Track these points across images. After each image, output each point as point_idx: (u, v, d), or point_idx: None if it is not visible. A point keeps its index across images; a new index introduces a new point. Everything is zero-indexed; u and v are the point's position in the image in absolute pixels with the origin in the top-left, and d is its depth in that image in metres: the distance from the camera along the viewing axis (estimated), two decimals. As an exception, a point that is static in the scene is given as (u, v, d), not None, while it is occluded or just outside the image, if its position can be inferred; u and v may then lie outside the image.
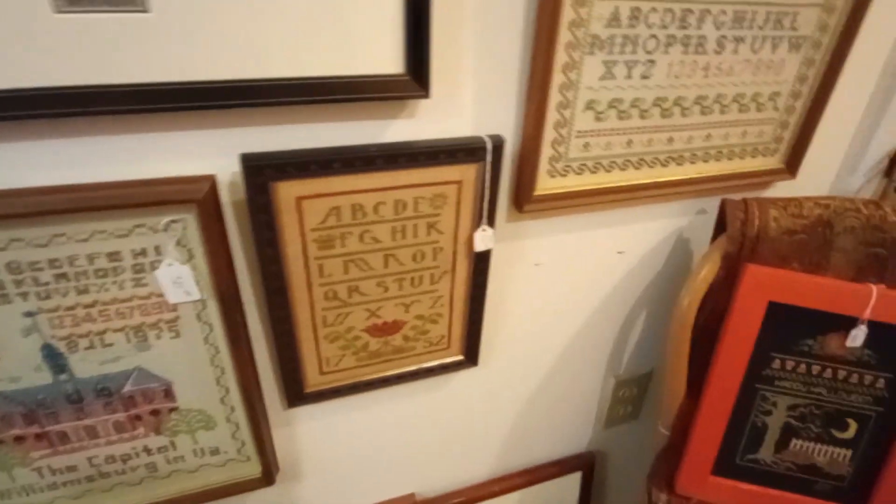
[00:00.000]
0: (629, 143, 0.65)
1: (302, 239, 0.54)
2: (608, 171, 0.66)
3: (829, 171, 0.84)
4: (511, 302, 0.73)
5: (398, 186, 0.54)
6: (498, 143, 0.56)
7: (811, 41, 0.68)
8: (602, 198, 0.67)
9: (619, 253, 0.76)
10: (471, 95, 0.56)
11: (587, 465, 0.94)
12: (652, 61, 0.61)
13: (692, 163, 0.71)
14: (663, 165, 0.70)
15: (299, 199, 0.52)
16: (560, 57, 0.56)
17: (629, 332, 0.85)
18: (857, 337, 0.71)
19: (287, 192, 0.51)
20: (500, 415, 0.84)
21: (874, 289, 0.70)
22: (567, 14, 0.54)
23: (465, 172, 0.56)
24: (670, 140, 0.68)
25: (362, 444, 0.76)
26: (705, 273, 0.72)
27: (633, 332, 0.86)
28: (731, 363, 0.75)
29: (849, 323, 0.71)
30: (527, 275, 0.72)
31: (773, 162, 0.77)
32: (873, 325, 0.71)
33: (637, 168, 0.68)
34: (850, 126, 0.81)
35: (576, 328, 0.80)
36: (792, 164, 0.77)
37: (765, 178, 0.77)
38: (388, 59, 0.50)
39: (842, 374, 0.74)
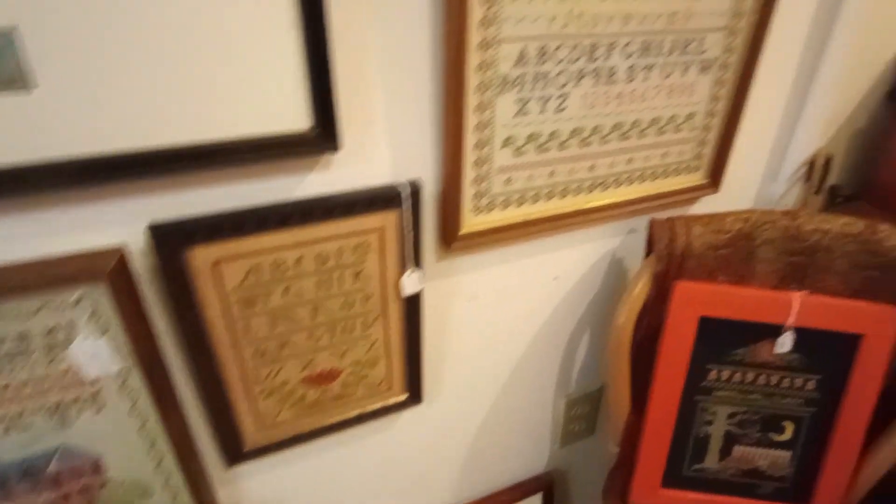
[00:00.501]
0: (551, 174, 0.67)
1: (222, 301, 0.53)
2: (534, 203, 0.68)
3: (752, 181, 0.87)
4: (452, 335, 0.73)
5: (317, 240, 0.54)
6: (415, 189, 0.56)
7: (719, 63, 0.71)
8: (530, 229, 0.68)
9: (554, 279, 0.77)
10: (386, 141, 0.56)
11: (547, 486, 0.95)
12: (565, 95, 0.63)
13: (616, 187, 0.73)
14: (588, 192, 0.71)
15: (215, 263, 0.51)
16: (471, 99, 0.57)
17: (574, 352, 0.87)
18: (784, 343, 0.74)
19: (201, 256, 0.50)
20: (453, 447, 0.84)
21: (796, 296, 0.73)
22: (473, 58, 0.55)
23: (385, 219, 0.56)
24: (592, 167, 0.70)
25: (314, 492, 0.75)
26: (636, 293, 0.73)
27: (579, 352, 0.87)
28: (670, 378, 0.77)
29: (776, 330, 0.74)
30: (465, 308, 0.72)
31: (696, 178, 0.80)
32: (799, 331, 0.74)
33: (562, 197, 0.69)
34: (766, 137, 0.84)
35: (520, 354, 0.81)
36: (715, 179, 0.80)
37: (690, 194, 0.80)
38: (292, 115, 0.49)
39: (774, 379, 0.77)
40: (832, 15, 0.77)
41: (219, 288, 0.52)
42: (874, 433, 0.78)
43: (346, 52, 0.50)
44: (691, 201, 0.82)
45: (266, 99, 0.47)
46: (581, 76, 0.62)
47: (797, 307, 0.73)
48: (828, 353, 0.75)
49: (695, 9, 0.65)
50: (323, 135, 0.50)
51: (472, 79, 0.56)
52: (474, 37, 0.54)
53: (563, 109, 0.63)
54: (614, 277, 0.83)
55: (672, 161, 0.76)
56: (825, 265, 0.74)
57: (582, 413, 0.94)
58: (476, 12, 0.53)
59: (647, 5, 0.62)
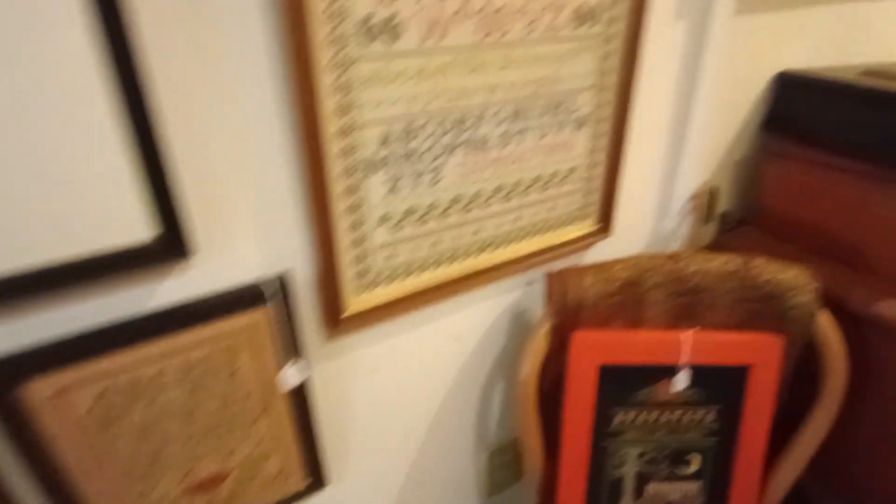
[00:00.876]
0: (435, 244, 0.66)
1: (74, 429, 0.49)
2: (421, 273, 0.67)
3: (644, 220, 0.90)
4: (356, 410, 0.71)
5: (178, 350, 0.51)
6: (282, 283, 0.54)
7: (593, 118, 0.73)
8: (422, 298, 0.67)
9: (456, 340, 0.77)
10: (251, 236, 0.54)
11: (477, 538, 0.94)
12: (438, 167, 0.62)
13: (508, 245, 0.74)
14: (478, 255, 0.71)
15: (59, 392, 0.47)
16: (337, 185, 0.55)
17: (489, 404, 0.86)
18: (680, 381, 0.76)
19: (39, 389, 0.46)
20: (375, 515, 0.82)
21: (686, 336, 0.75)
22: (333, 146, 0.53)
23: (253, 318, 0.54)
24: (478, 231, 0.69)
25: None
26: (536, 347, 0.74)
27: (494, 404, 0.87)
28: (577, 425, 0.77)
29: (672, 369, 0.76)
30: (366, 382, 0.70)
31: (587, 226, 0.81)
32: (694, 367, 0.76)
33: (451, 263, 0.69)
34: (652, 178, 0.87)
35: (432, 416, 0.80)
36: (606, 225, 0.82)
37: (584, 241, 0.81)
38: (131, 226, 0.46)
39: (676, 415, 0.79)
40: (697, 57, 0.80)
41: (66, 418, 0.48)
42: (774, 453, 0.81)
43: (190, 151, 0.48)
44: (587, 247, 0.83)
45: (96, 212, 0.44)
46: (453, 148, 0.62)
47: (688, 346, 0.75)
48: (722, 384, 0.78)
49: (561, 73, 0.66)
50: (170, 242, 0.48)
51: (335, 165, 0.55)
52: (330, 126, 0.53)
53: (438, 181, 0.63)
54: (519, 329, 0.83)
55: (561, 213, 0.77)
56: (711, 302, 0.76)
57: (506, 461, 0.94)
58: (328, 103, 0.51)
59: (513, 75, 0.63)
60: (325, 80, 0.50)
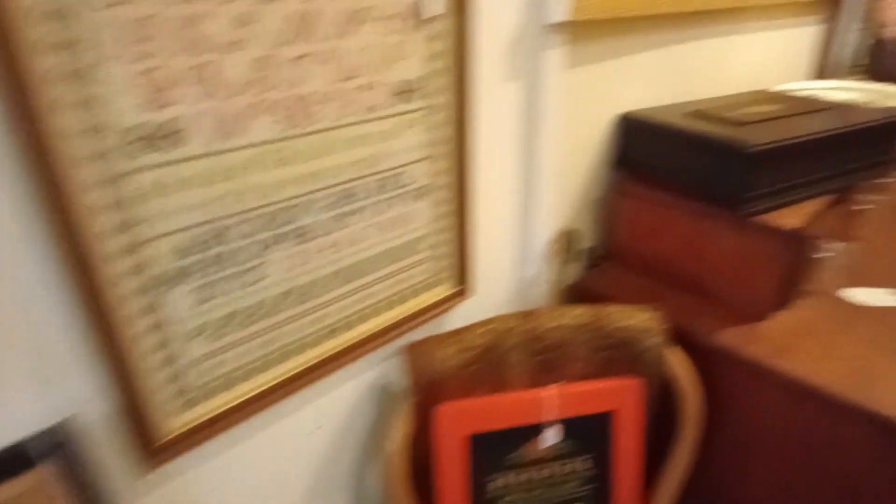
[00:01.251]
0: (268, 342, 0.61)
1: None
2: (258, 375, 0.61)
3: (505, 273, 0.90)
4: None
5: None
6: (66, 433, 0.46)
7: (432, 187, 0.71)
8: (263, 400, 0.62)
9: (318, 427, 0.72)
10: (25, 385, 0.46)
11: None
12: (258, 265, 0.57)
13: (357, 326, 0.70)
14: (325, 342, 0.67)
15: None
16: (128, 307, 0.49)
17: (363, 487, 0.82)
18: (548, 438, 0.77)
19: None
20: None
21: (549, 392, 0.75)
22: (114, 267, 0.47)
23: (24, 484, 0.46)
24: (320, 319, 0.65)
25: None
26: (399, 423, 0.71)
27: (368, 485, 0.83)
28: (453, 497, 0.75)
29: (539, 427, 0.76)
30: (220, 493, 0.64)
31: (445, 290, 0.79)
32: (562, 420, 0.77)
33: (294, 357, 0.64)
34: (507, 231, 0.87)
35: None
36: (464, 286, 0.81)
37: (443, 305, 0.79)
38: None
39: (552, 470, 0.79)
40: (535, 112, 0.81)
41: None
42: (651, 489, 0.84)
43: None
44: (447, 311, 0.82)
45: None
46: (273, 243, 0.58)
47: (552, 402, 0.76)
48: (590, 433, 0.79)
49: (388, 149, 0.64)
50: None
51: (124, 286, 0.48)
52: (107, 246, 0.46)
53: (261, 280, 0.58)
54: (385, 403, 0.79)
55: (413, 283, 0.75)
56: (569, 356, 0.77)
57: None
58: (98, 223, 0.45)
59: (334, 159, 0.59)
60: (90, 200, 0.44)
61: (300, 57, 0.54)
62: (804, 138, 0.80)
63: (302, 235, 0.60)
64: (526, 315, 0.76)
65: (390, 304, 0.73)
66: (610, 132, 0.98)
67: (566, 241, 0.94)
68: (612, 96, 0.96)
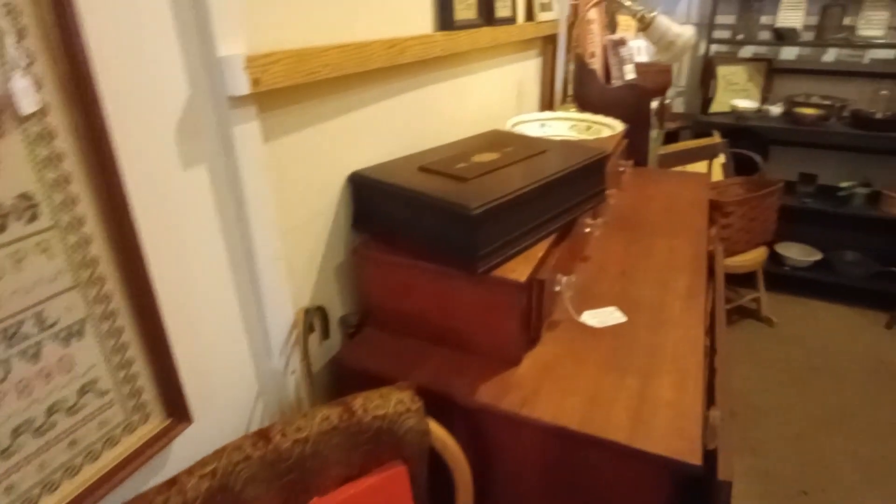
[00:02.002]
0: None
1: None
2: None
3: (243, 377, 0.77)
4: None
5: None
6: None
7: (93, 318, 0.55)
8: None
9: None
10: None
11: None
12: None
13: (51, 492, 0.51)
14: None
15: None
16: None
17: None
18: (313, 569, 0.67)
19: None
20: None
21: (303, 518, 0.65)
22: None
23: None
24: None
25: None
26: None
27: None
28: None
29: (300, 560, 0.66)
30: None
31: (155, 424, 0.63)
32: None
33: None
34: (229, 332, 0.74)
35: None
36: (181, 412, 0.66)
37: (158, 442, 0.63)
38: None
39: None
40: (237, 192, 0.70)
41: None
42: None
43: None
44: (167, 445, 0.66)
45: None
46: None
47: (309, 526, 0.66)
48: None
49: (17, 285, 0.47)
50: None
51: None
52: None
53: None
54: None
55: (109, 428, 0.58)
56: (322, 466, 0.68)
57: None
58: None
59: None
60: None
61: None
62: (526, 189, 0.83)
63: None
64: (261, 435, 0.65)
65: (83, 462, 0.55)
66: (344, 194, 0.92)
67: (310, 320, 0.85)
68: (342, 155, 0.90)
